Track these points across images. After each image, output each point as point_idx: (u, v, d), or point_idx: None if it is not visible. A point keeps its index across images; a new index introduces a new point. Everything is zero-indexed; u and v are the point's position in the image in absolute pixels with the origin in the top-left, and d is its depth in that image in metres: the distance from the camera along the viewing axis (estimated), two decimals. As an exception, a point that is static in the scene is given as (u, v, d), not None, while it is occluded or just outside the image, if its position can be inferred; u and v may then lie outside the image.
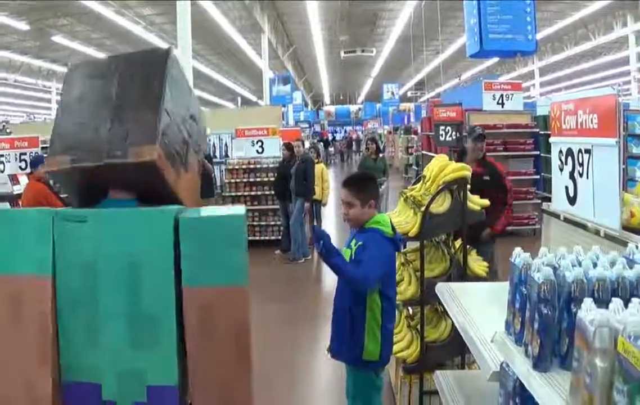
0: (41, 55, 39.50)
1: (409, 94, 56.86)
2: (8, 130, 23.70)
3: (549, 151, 7.36)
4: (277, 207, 14.68)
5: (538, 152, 15.33)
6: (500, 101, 15.94)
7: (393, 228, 4.57)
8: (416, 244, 6.00)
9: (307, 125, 50.12)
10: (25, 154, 12.13)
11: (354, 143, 53.81)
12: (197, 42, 29.48)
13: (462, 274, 5.63)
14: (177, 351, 3.16)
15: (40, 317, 3.14)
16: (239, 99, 62.75)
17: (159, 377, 3.15)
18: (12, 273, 3.17)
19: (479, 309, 3.46)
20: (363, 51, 38.69)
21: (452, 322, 5.67)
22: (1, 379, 3.18)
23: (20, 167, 12.03)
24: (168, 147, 3.37)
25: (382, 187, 13.65)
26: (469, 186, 5.65)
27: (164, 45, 33.96)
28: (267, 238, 15.07)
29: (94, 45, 36.07)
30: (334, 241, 4.29)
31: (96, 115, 3.35)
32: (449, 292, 3.95)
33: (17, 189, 11.40)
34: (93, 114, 3.36)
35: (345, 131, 68.05)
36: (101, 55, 36.57)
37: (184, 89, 3.72)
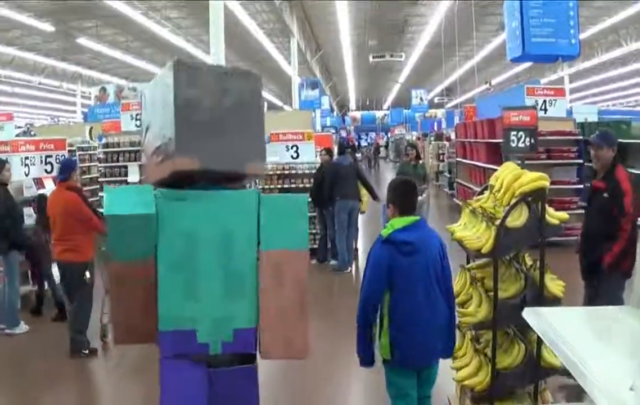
0: (66, 57, 39.46)
1: (435, 100, 56.34)
2: (32, 133, 23.50)
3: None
4: (314, 214, 14.00)
5: (582, 161, 14.68)
6: (543, 107, 15.38)
7: (403, 230, 4.62)
8: (483, 260, 5.52)
9: (333, 131, 49.78)
10: (51, 156, 11.51)
11: (380, 149, 53.70)
12: (225, 46, 29.26)
13: (538, 294, 5.10)
14: (257, 300, 4.10)
15: (144, 282, 4.02)
16: (265, 104, 62.56)
17: (243, 321, 4.09)
18: (125, 260, 4.01)
19: (581, 340, 2.96)
20: (392, 56, 38.29)
21: (526, 346, 5.20)
22: (119, 326, 4.25)
23: (45, 170, 11.39)
24: None
25: (423, 195, 12.95)
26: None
27: (192, 49, 33.89)
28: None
29: (120, 48, 35.95)
30: (367, 248, 4.41)
31: (219, 126, 4.07)
32: (540, 319, 3.43)
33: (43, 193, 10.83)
34: (215, 125, 4.07)
35: (371, 137, 67.62)
36: (128, 58, 36.55)
37: None
